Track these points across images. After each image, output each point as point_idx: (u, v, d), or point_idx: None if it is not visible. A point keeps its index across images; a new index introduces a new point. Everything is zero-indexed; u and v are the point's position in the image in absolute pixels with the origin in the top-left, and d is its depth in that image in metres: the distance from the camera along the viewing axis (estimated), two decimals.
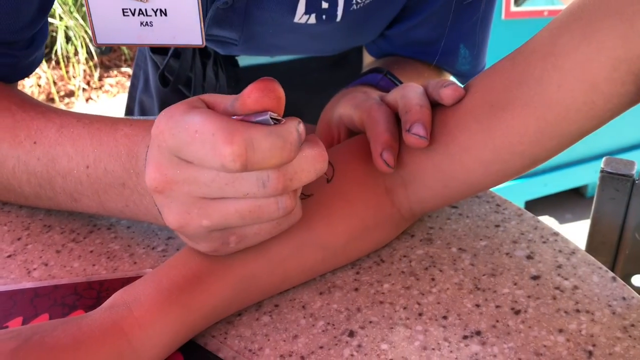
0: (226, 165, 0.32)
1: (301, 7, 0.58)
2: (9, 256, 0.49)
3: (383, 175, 0.45)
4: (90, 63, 2.68)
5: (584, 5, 0.38)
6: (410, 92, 0.46)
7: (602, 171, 0.52)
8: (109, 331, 0.36)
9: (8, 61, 0.53)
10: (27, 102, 0.49)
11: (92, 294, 0.45)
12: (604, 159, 0.53)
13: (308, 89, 0.81)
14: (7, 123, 0.47)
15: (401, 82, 0.58)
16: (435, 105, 0.45)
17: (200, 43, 0.54)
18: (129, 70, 2.55)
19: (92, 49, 2.65)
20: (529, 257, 0.46)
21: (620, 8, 0.36)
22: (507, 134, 0.40)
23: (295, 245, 0.42)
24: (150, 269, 0.46)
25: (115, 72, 2.73)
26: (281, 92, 0.33)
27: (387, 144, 0.43)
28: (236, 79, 0.79)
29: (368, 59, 0.77)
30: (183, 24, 0.54)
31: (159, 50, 0.83)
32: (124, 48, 2.50)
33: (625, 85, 0.37)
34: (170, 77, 0.79)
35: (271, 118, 0.33)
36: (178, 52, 0.77)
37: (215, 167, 0.33)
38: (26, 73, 0.55)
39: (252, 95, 0.33)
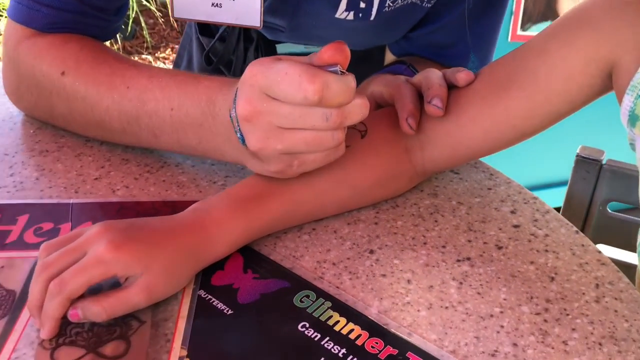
0: (308, 98, 0.44)
1: (343, 4, 0.70)
2: (96, 179, 0.60)
3: (405, 137, 0.56)
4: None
5: (569, 17, 0.51)
6: (432, 74, 0.58)
7: (577, 156, 0.64)
8: (194, 225, 0.48)
9: (101, 24, 0.64)
10: (122, 56, 0.60)
11: (167, 211, 0.57)
12: (580, 146, 0.66)
13: None
14: (106, 70, 0.58)
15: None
16: (451, 87, 0.56)
17: (259, 25, 0.65)
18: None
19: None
20: (512, 212, 0.58)
21: (592, 19, 0.48)
22: (505, 109, 0.52)
23: (333, 182, 0.53)
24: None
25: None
26: (349, 52, 0.46)
27: (412, 112, 0.55)
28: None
29: (389, 57, 0.89)
30: (246, 7, 0.66)
31: (206, 33, 0.94)
32: (147, 36, 2.61)
33: (595, 78, 0.49)
34: (214, 58, 0.91)
35: (339, 70, 0.45)
36: (223, 36, 0.89)
37: (297, 101, 0.44)
38: (111, 36, 0.67)
39: (328, 52, 0.45)
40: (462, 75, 0.55)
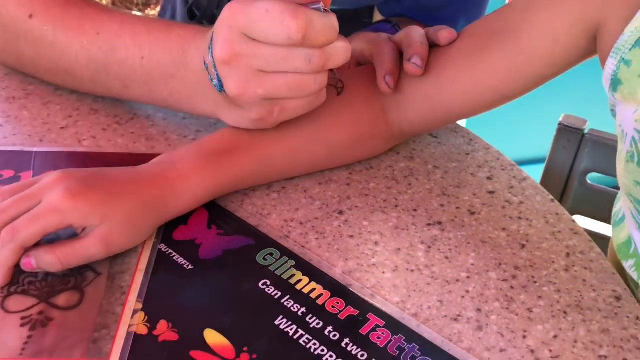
0: (291, 36, 0.42)
1: None
2: (62, 128, 0.58)
3: (382, 97, 0.55)
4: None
5: None
6: (413, 32, 0.56)
7: (559, 124, 0.63)
8: (157, 177, 0.47)
9: None
10: (95, 1, 0.58)
11: (133, 163, 0.54)
12: (562, 115, 0.64)
13: None
14: (76, 14, 0.56)
15: None
16: (433, 46, 0.54)
17: None
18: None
19: None
20: (488, 178, 0.56)
21: None
22: (486, 70, 0.50)
23: (308, 139, 0.52)
24: None
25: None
26: None
27: (390, 70, 0.53)
28: None
29: (378, 18, 0.86)
30: None
31: None
32: None
33: (580, 40, 0.47)
34: (197, 12, 0.88)
35: (323, 8, 0.44)
36: None
37: (280, 40, 0.42)
38: None
39: None
40: (444, 34, 0.53)
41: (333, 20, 0.44)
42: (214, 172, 0.48)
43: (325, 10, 0.44)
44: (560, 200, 0.66)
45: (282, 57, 0.44)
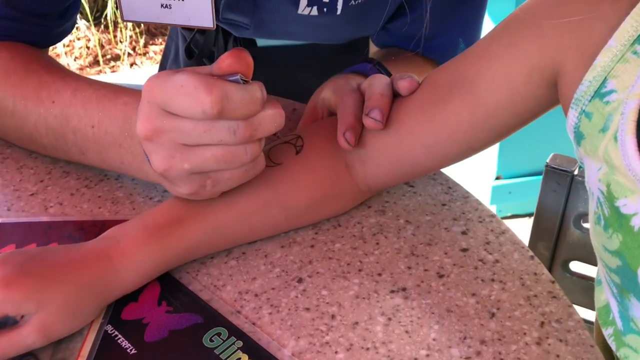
0: (206, 111, 0.40)
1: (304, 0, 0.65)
2: (32, 194, 0.58)
3: (345, 153, 0.52)
4: (137, 30, 2.79)
5: (515, 17, 0.45)
6: (376, 82, 0.53)
7: (546, 166, 0.58)
8: (99, 256, 0.45)
9: (39, 30, 0.61)
10: (53, 65, 0.57)
11: (94, 231, 0.54)
12: (551, 155, 0.59)
13: (321, 71, 0.88)
14: (34, 84, 0.55)
15: (388, 73, 0.65)
16: (397, 96, 0.52)
17: (211, 26, 0.61)
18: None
19: None
20: (463, 233, 0.53)
21: (535, 20, 0.42)
22: (446, 123, 0.47)
23: (262, 204, 0.50)
24: None
25: (160, 40, 2.83)
26: (250, 60, 0.42)
27: (351, 125, 0.50)
28: (253, 57, 0.86)
29: (373, 48, 0.83)
30: (197, 8, 0.61)
31: None
32: None
33: (540, 89, 0.43)
34: (196, 50, 0.87)
35: (241, 79, 0.42)
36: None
37: (196, 115, 0.41)
38: (56, 41, 0.64)
39: (226, 61, 0.42)
40: (404, 84, 0.50)
41: (254, 91, 0.42)
42: (160, 247, 0.46)
43: (244, 81, 0.42)
44: (555, 247, 0.61)
45: (205, 130, 0.42)
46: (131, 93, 0.52)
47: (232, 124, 0.42)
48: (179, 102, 0.41)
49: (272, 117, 0.44)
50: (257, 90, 0.42)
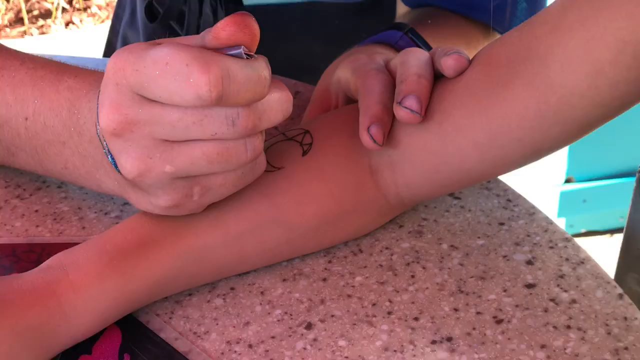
0: (202, 96, 0.41)
1: None
2: None
3: (369, 153, 0.53)
4: None
5: None
6: (411, 59, 0.53)
7: (639, 172, 0.59)
8: (40, 293, 0.46)
9: None
10: None
11: (31, 257, 0.55)
12: None
13: (326, 38, 0.89)
14: None
15: (426, 44, 0.66)
16: (439, 77, 0.52)
17: None
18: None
19: None
20: (528, 263, 0.53)
21: None
22: (506, 115, 0.48)
23: (257, 221, 0.50)
24: None
25: None
26: (257, 28, 0.42)
27: (377, 117, 0.51)
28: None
29: (402, 9, 0.84)
30: None
31: None
32: None
33: (632, 70, 0.43)
34: (160, 10, 0.88)
35: (245, 54, 0.42)
36: None
37: (187, 101, 0.41)
38: None
39: (226, 29, 0.42)
40: (449, 62, 0.51)
41: (261, 68, 0.43)
42: (122, 279, 0.47)
43: (248, 55, 0.43)
44: None
45: (195, 121, 0.43)
46: (76, 74, 0.52)
47: (231, 111, 0.43)
48: (163, 85, 0.41)
49: (279, 102, 0.44)
50: (265, 68, 0.43)
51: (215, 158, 0.44)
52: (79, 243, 0.53)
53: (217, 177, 0.46)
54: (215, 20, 0.85)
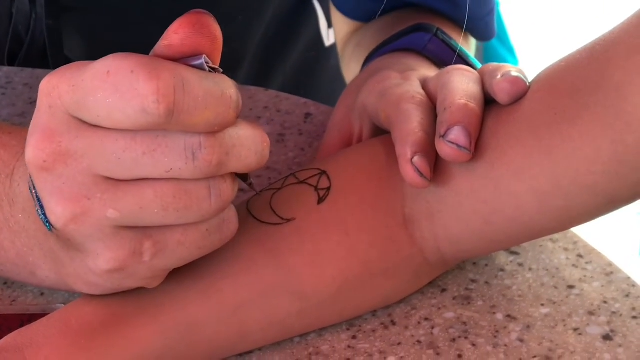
0: (148, 108, 0.39)
1: None
2: None
3: (402, 200, 0.51)
4: None
5: None
6: (456, 80, 0.51)
7: None
8: None
9: None
10: None
11: None
12: None
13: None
14: None
15: (458, 46, 0.64)
16: (490, 102, 0.51)
17: None
18: None
19: None
20: (606, 338, 0.50)
21: None
22: (573, 158, 0.46)
23: (261, 288, 0.49)
24: (62, 304, 0.53)
25: None
26: (217, 29, 0.41)
27: (421, 146, 0.49)
28: (69, 6, 0.83)
29: (342, 31, 0.82)
30: None
31: None
32: None
33: None
34: None
35: (206, 64, 0.41)
36: None
37: (130, 116, 0.39)
38: None
39: (179, 31, 0.41)
40: (504, 85, 0.49)
41: (226, 85, 0.42)
42: None
43: (211, 68, 0.41)
44: None
45: (144, 151, 0.41)
46: (14, 130, 0.51)
47: (191, 140, 0.41)
48: (101, 99, 0.40)
49: (252, 140, 0.43)
50: (231, 86, 0.42)
51: (170, 202, 0.42)
52: (38, 314, 0.51)
53: (174, 232, 0.44)
54: (33, 7, 0.82)
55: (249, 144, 0.43)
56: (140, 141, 0.41)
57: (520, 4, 2.33)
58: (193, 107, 0.40)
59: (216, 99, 0.41)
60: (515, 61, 1.02)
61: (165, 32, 0.41)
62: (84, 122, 0.41)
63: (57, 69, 0.42)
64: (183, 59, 0.41)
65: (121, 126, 0.40)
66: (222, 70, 0.42)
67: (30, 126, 0.43)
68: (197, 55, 0.41)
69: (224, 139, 0.42)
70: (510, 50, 1.03)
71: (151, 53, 0.42)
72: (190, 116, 0.40)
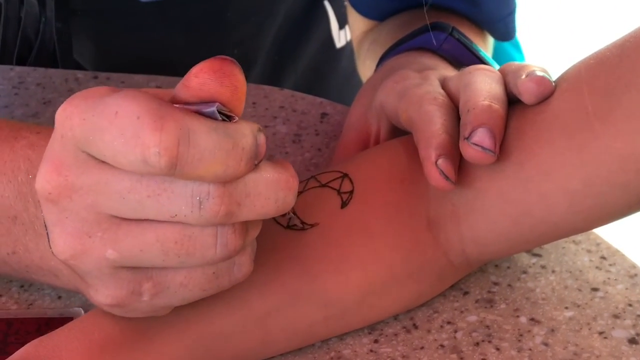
0: (148, 160, 0.39)
1: None
2: None
3: (426, 202, 0.52)
4: None
5: None
6: (478, 80, 0.52)
7: None
8: None
9: None
10: None
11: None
12: None
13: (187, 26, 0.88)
14: None
15: (473, 45, 0.65)
16: (513, 102, 0.52)
17: None
18: None
19: None
20: (632, 342, 0.51)
21: None
22: (605, 156, 0.47)
23: (287, 297, 0.49)
24: (80, 307, 0.53)
25: None
26: (241, 80, 0.40)
27: (445, 149, 0.50)
28: (75, 10, 0.84)
29: (357, 30, 0.83)
30: None
31: None
32: None
33: None
34: None
35: (220, 112, 0.40)
36: None
37: (132, 163, 0.39)
38: None
39: (199, 75, 0.40)
40: (529, 85, 0.50)
41: (239, 135, 0.41)
42: None
43: (225, 116, 0.41)
44: None
45: (149, 194, 0.41)
46: (42, 129, 0.51)
47: (199, 188, 0.41)
48: (108, 141, 0.40)
49: (271, 186, 0.42)
50: (246, 135, 0.41)
51: (171, 248, 0.42)
52: (55, 318, 0.52)
53: (176, 274, 0.44)
54: (42, 10, 0.82)
55: (267, 193, 0.42)
56: (146, 184, 0.41)
57: (524, 1, 2.34)
58: (198, 160, 0.40)
59: (225, 152, 0.40)
60: (521, 57, 1.03)
61: (188, 73, 0.41)
62: (93, 157, 0.41)
63: (76, 93, 0.42)
64: (199, 103, 0.41)
65: (125, 169, 0.41)
66: (237, 118, 0.41)
67: (45, 151, 0.44)
68: (213, 102, 0.41)
69: (236, 188, 0.41)
70: (517, 46, 1.03)
71: (172, 95, 0.42)
72: (195, 169, 0.40)
